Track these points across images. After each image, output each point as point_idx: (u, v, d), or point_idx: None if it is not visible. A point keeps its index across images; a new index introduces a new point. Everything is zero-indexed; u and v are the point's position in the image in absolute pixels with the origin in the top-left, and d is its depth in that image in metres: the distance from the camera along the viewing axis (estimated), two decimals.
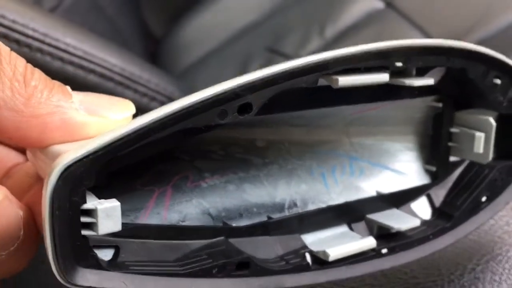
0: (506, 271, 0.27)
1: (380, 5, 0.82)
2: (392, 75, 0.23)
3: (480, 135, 0.26)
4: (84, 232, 0.18)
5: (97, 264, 0.19)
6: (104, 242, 0.20)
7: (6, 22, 0.40)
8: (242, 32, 0.89)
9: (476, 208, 0.27)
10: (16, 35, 0.40)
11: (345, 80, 0.22)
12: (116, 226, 0.19)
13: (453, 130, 0.27)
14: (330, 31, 0.82)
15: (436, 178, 0.28)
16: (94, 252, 0.19)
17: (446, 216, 0.27)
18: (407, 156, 0.29)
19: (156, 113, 0.18)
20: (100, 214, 0.18)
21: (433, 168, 0.28)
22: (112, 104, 0.22)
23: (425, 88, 0.25)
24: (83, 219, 0.18)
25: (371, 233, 0.26)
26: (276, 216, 0.25)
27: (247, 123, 0.26)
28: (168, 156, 0.25)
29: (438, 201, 0.28)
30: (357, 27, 0.81)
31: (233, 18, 0.90)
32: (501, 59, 0.25)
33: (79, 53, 0.42)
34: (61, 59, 0.42)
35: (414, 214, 0.27)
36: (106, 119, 0.21)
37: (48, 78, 0.21)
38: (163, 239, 0.22)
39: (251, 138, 0.27)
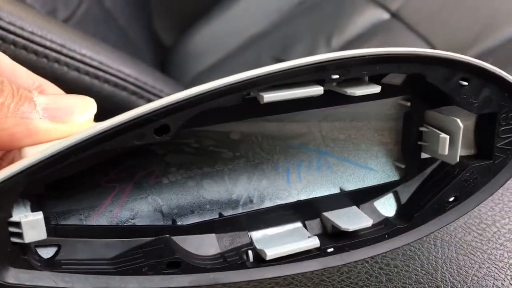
0: (509, 277, 0.28)
1: (386, 16, 0.83)
2: (339, 83, 0.23)
3: (444, 137, 0.26)
4: (14, 240, 0.20)
5: (29, 265, 0.21)
6: (47, 241, 0.22)
7: (25, 34, 0.41)
8: (250, 42, 0.90)
9: (441, 208, 0.27)
10: (35, 46, 0.41)
11: (272, 97, 0.22)
12: (41, 235, 0.20)
13: (423, 129, 0.27)
14: (337, 41, 0.83)
15: (405, 175, 0.28)
16: (26, 256, 0.21)
17: (407, 216, 0.27)
18: (378, 152, 0.29)
19: (76, 137, 0.20)
20: (24, 226, 0.20)
21: (402, 166, 0.28)
22: (73, 108, 0.23)
23: (390, 89, 0.25)
24: (11, 229, 0.20)
25: (324, 230, 0.26)
26: (228, 213, 0.26)
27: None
28: (141, 150, 0.26)
29: (404, 199, 0.28)
30: (363, 38, 0.82)
31: (242, 28, 0.91)
32: (467, 61, 0.25)
33: (95, 63, 0.44)
34: (77, 70, 0.43)
35: (375, 212, 0.27)
36: (68, 125, 0.22)
37: (15, 90, 0.22)
38: (106, 238, 0.23)
39: (226, 131, 0.27)
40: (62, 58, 0.42)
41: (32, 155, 0.19)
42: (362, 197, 0.27)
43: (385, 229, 0.26)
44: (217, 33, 0.93)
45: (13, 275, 0.20)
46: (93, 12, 0.80)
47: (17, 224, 0.20)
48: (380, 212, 0.27)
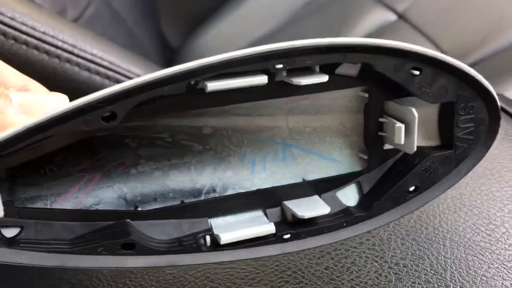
0: None
1: (393, 17, 0.83)
2: (289, 73, 0.24)
3: (399, 126, 0.26)
4: None
5: None
6: (10, 222, 0.24)
7: (37, 34, 0.41)
8: (257, 43, 0.90)
9: (402, 198, 0.27)
10: (46, 46, 0.42)
11: (216, 85, 0.23)
12: None
13: (382, 119, 0.27)
14: None
15: (368, 166, 0.28)
16: None
17: (367, 205, 0.27)
18: (342, 144, 0.29)
19: (30, 121, 0.21)
20: None
21: (365, 157, 0.28)
22: (47, 103, 0.25)
23: (345, 80, 0.26)
24: None
25: (284, 218, 0.27)
26: (189, 201, 0.27)
27: (196, 113, 0.28)
28: (115, 142, 0.28)
29: (366, 190, 0.28)
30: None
31: (250, 29, 0.92)
32: (414, 51, 0.25)
33: (105, 63, 0.44)
34: (88, 70, 0.43)
35: (336, 201, 0.28)
36: None
37: None
38: (68, 221, 0.25)
39: (199, 125, 0.28)
40: (74, 58, 0.43)
41: None
42: (324, 187, 0.28)
43: (344, 217, 0.27)
44: (224, 34, 0.93)
45: None
46: (101, 13, 0.81)
47: None
48: (341, 202, 0.28)
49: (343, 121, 0.29)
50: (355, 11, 0.85)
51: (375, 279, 0.28)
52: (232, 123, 0.29)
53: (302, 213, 0.26)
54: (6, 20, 0.40)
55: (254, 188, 0.28)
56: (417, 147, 0.27)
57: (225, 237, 0.25)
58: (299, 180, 0.28)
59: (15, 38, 0.41)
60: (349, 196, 0.28)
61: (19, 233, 0.24)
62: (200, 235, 0.25)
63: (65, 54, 0.42)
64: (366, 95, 0.27)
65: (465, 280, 0.28)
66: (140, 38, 0.89)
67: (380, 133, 0.28)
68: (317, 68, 0.25)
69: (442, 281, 0.27)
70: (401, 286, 0.27)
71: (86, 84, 0.43)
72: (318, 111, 0.29)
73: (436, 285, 0.27)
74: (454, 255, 0.28)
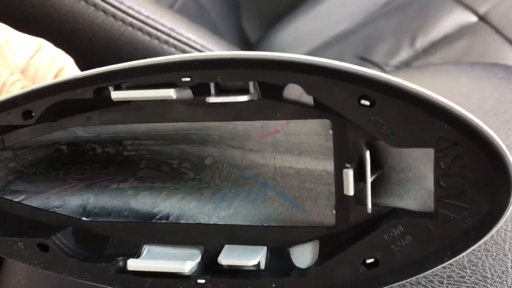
0: None
1: (474, 18, 0.83)
2: (218, 92, 0.21)
3: (346, 171, 0.20)
4: None
5: None
6: None
7: (141, 17, 0.47)
8: (334, 40, 0.92)
9: (353, 269, 0.21)
10: (149, 29, 0.47)
11: (119, 94, 0.22)
12: None
13: (347, 165, 0.21)
14: (421, 42, 0.84)
15: (335, 224, 0.22)
16: None
17: (316, 269, 0.22)
18: (319, 193, 0.25)
19: None
20: None
21: (334, 211, 0.22)
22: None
23: (301, 108, 0.21)
24: None
25: (217, 263, 0.23)
26: (136, 221, 0.26)
27: (202, 142, 0.27)
28: (131, 162, 0.29)
29: (325, 252, 0.22)
30: (448, 39, 0.82)
31: (327, 26, 0.94)
32: (360, 74, 0.18)
33: (198, 46, 0.49)
34: (183, 51, 0.48)
35: (283, 258, 0.23)
36: None
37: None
38: (21, 215, 0.27)
39: (204, 156, 0.28)
40: (171, 40, 0.48)
41: None
42: (278, 238, 0.24)
43: (277, 276, 0.22)
44: (301, 31, 0.96)
45: None
46: (189, 5, 0.87)
47: None
48: (290, 259, 0.23)
49: (326, 167, 0.24)
50: (435, 11, 0.85)
51: None
52: (229, 156, 0.27)
53: (222, 258, 0.23)
54: (116, 3, 0.46)
55: (203, 222, 0.26)
56: (396, 209, 0.21)
57: (134, 264, 0.23)
58: (255, 224, 0.25)
59: (122, 20, 0.46)
60: (304, 255, 0.23)
61: None
62: (122, 257, 0.24)
63: (164, 36, 0.47)
64: (331, 131, 0.22)
65: None
66: (222, 31, 0.94)
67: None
68: (252, 89, 0.21)
69: (501, 250, 0.29)
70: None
71: None
72: (300, 151, 0.25)
73: (495, 254, 0.29)
74: None
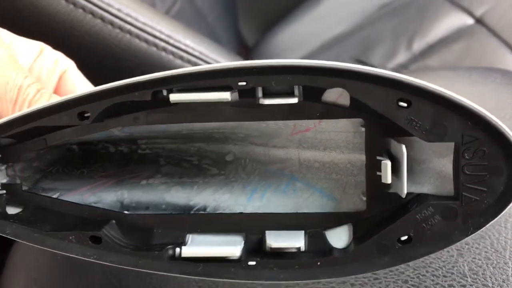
0: None
1: (470, 21, 0.83)
2: (267, 93, 0.23)
3: (385, 163, 0.23)
4: None
5: None
6: (14, 201, 0.27)
7: (139, 24, 0.47)
8: (331, 42, 0.93)
9: (389, 246, 0.24)
10: (146, 36, 0.47)
11: (178, 97, 0.23)
12: None
13: (380, 158, 0.24)
14: (418, 45, 0.84)
15: (366, 209, 0.26)
16: None
17: (351, 249, 0.25)
18: (347, 183, 0.27)
19: (24, 110, 0.25)
20: None
21: (364, 198, 0.26)
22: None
23: (337, 109, 0.24)
24: None
25: (261, 248, 0.26)
26: (176, 213, 0.28)
27: (222, 139, 0.29)
28: (150, 160, 0.30)
29: (359, 234, 0.25)
30: (445, 42, 0.82)
31: (324, 29, 0.94)
32: (401, 80, 0.22)
33: (196, 53, 0.49)
34: (181, 58, 0.48)
35: (321, 240, 0.26)
36: None
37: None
38: (62, 210, 0.28)
39: (224, 152, 0.29)
40: (169, 47, 0.48)
41: None
42: (313, 223, 0.26)
43: (321, 257, 0.25)
44: (299, 34, 0.96)
45: None
46: (186, 10, 0.86)
47: None
48: (327, 241, 0.26)
49: (351, 159, 0.28)
50: (432, 13, 0.85)
51: (438, 253, 0.30)
52: (251, 153, 0.29)
53: (272, 241, 0.25)
54: (114, 11, 0.46)
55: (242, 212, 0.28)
56: (423, 194, 0.24)
57: (187, 251, 0.25)
58: (289, 211, 0.27)
59: (120, 27, 0.46)
60: (339, 238, 0.26)
61: (20, 212, 0.27)
62: (171, 245, 0.25)
63: (162, 43, 0.47)
64: (363, 129, 0.25)
65: None
66: (219, 35, 0.94)
67: (378, 173, 0.24)
68: (297, 92, 0.23)
69: (501, 258, 0.29)
70: (462, 261, 0.29)
71: None
72: (326, 147, 0.28)
73: (495, 262, 0.29)
74: None
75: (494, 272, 0.28)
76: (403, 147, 0.23)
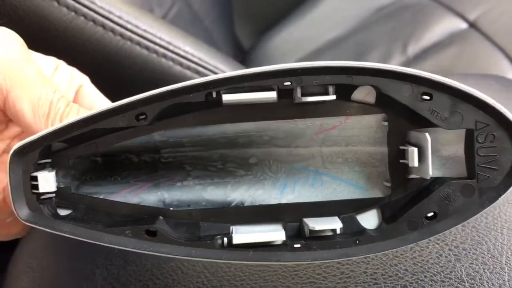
0: None
1: (464, 25, 0.84)
2: (304, 92, 0.26)
3: (412, 149, 0.27)
4: (33, 191, 0.27)
5: (41, 212, 0.27)
6: (65, 204, 0.29)
7: (139, 31, 0.47)
8: (326, 46, 0.93)
9: (418, 222, 0.27)
10: (147, 43, 0.47)
11: (230, 97, 0.26)
12: (51, 187, 0.27)
13: (403, 147, 0.28)
14: (412, 49, 0.85)
15: (391, 194, 0.29)
16: (41, 204, 0.27)
17: (383, 228, 0.28)
18: (370, 173, 0.31)
19: (77, 116, 0.27)
20: (40, 179, 0.27)
21: (389, 184, 0.29)
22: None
23: (364, 105, 0.28)
24: (32, 182, 0.27)
25: (301, 233, 0.29)
26: (218, 208, 0.30)
27: (245, 144, 0.31)
28: (175, 166, 0.32)
29: (387, 215, 0.29)
30: (439, 46, 0.83)
31: (319, 33, 0.94)
32: (425, 77, 0.25)
33: (195, 59, 0.49)
34: (181, 64, 0.49)
35: (355, 223, 0.29)
36: None
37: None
38: (111, 210, 0.29)
39: (247, 156, 0.32)
40: (169, 54, 0.48)
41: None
42: (345, 209, 0.29)
43: (356, 235, 0.28)
44: (294, 37, 0.96)
45: (25, 214, 0.27)
46: (183, 14, 0.87)
47: (36, 178, 0.27)
48: (359, 224, 0.29)
49: (371, 153, 0.31)
50: (426, 18, 0.86)
51: (436, 258, 0.31)
52: (274, 154, 0.31)
53: (313, 225, 0.27)
54: (115, 18, 0.46)
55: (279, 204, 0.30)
56: (441, 177, 0.28)
57: (238, 238, 0.27)
58: (320, 200, 0.30)
59: (121, 35, 0.46)
60: (369, 220, 0.29)
61: (71, 213, 0.29)
62: (219, 236, 0.28)
63: (162, 50, 0.48)
64: (386, 123, 0.29)
65: None
66: (216, 38, 0.95)
67: (401, 161, 0.28)
68: (331, 91, 0.27)
69: (498, 263, 0.30)
70: (460, 266, 0.30)
71: (179, 78, 0.49)
72: (348, 143, 0.31)
73: (492, 267, 0.30)
74: (511, 241, 0.31)
75: (491, 277, 0.29)
76: (427, 134, 0.26)
